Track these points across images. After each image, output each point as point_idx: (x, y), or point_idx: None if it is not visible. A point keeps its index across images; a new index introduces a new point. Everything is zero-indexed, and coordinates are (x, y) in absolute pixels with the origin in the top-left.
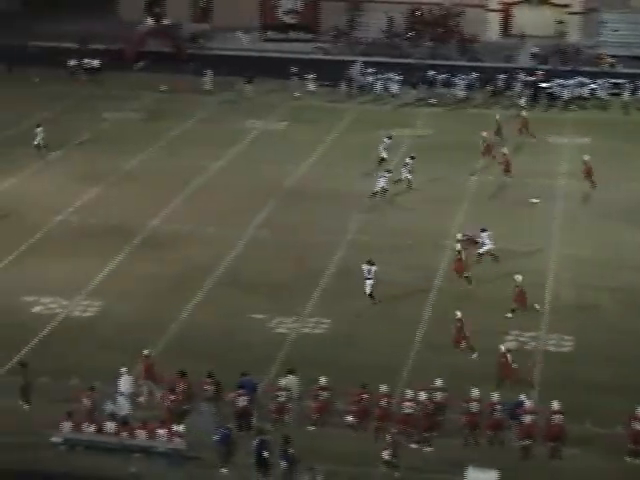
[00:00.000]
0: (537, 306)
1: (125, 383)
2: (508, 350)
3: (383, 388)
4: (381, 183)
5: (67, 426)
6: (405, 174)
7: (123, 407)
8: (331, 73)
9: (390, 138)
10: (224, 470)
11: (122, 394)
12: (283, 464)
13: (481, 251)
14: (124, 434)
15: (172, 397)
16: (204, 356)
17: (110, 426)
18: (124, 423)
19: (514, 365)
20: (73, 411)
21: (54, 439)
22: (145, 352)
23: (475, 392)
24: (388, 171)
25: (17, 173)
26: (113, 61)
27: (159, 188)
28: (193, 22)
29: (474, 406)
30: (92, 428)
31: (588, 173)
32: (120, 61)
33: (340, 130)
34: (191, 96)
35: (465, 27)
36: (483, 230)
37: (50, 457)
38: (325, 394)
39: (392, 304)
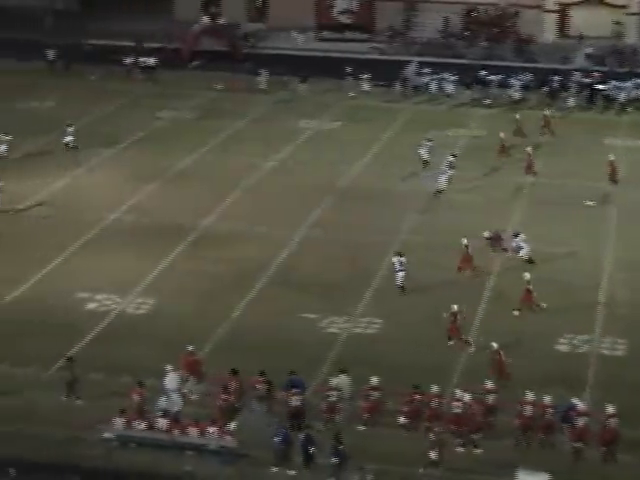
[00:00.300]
0: (543, 305)
1: (171, 380)
2: (500, 348)
3: (434, 389)
4: (443, 181)
5: (119, 422)
6: (446, 171)
7: (175, 404)
8: (386, 73)
9: (430, 140)
10: (275, 469)
11: (174, 391)
12: (334, 460)
13: (524, 256)
14: (176, 431)
15: (224, 396)
16: (255, 355)
17: (162, 423)
18: (176, 420)
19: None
20: (125, 408)
21: (106, 435)
22: (189, 348)
23: (529, 395)
24: (451, 167)
25: (72, 170)
26: (168, 60)
27: (213, 187)
28: (249, 22)
29: (528, 409)
30: (143, 425)
31: (613, 172)
32: (175, 60)
33: (394, 130)
34: (246, 95)
35: (521, 27)
36: (516, 235)
37: (102, 453)
38: (376, 394)
39: (444, 304)
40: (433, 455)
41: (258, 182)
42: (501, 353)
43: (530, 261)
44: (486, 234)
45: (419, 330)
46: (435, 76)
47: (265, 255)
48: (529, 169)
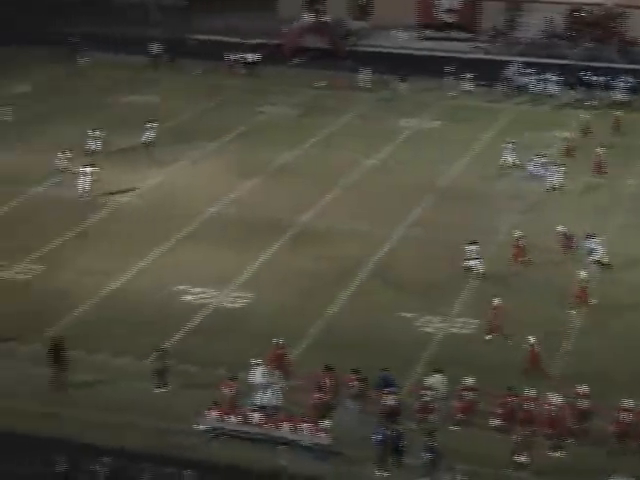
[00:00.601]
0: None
1: (258, 374)
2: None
3: (530, 391)
4: (554, 178)
5: (213, 415)
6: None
7: (273, 398)
8: (488, 73)
9: (513, 143)
10: (375, 470)
11: (263, 385)
12: (426, 456)
13: (597, 258)
14: (269, 426)
15: (318, 395)
16: (350, 352)
17: (255, 417)
18: (272, 414)
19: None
20: (219, 400)
21: (200, 427)
22: (275, 340)
23: (628, 402)
24: (560, 165)
25: (175, 163)
26: (271, 56)
27: (313, 183)
28: (352, 19)
29: (625, 416)
30: (237, 418)
31: (598, 166)
32: (278, 56)
33: (495, 130)
34: (347, 93)
35: (627, 29)
36: (590, 236)
37: (196, 444)
38: (470, 395)
39: (543, 306)
40: (521, 458)
41: (358, 180)
42: (535, 347)
43: (603, 264)
44: (560, 228)
45: (516, 332)
46: (538, 76)
47: (364, 253)
48: (598, 170)
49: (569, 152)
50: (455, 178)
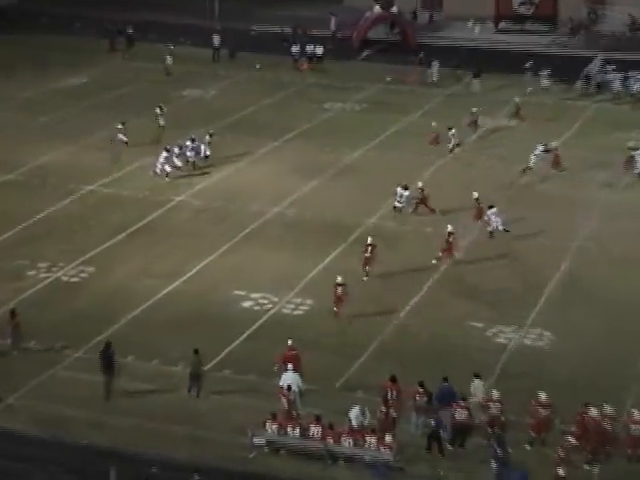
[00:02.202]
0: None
1: (288, 378)
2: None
3: (607, 409)
4: None
5: (271, 427)
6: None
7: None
8: (567, 69)
9: (545, 145)
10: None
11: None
12: (495, 465)
13: (489, 229)
14: (330, 439)
15: (383, 408)
16: (417, 363)
17: (314, 430)
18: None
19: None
20: (276, 411)
21: (256, 440)
22: (289, 342)
23: None
24: None
25: (234, 161)
26: (338, 49)
27: (378, 183)
28: (423, 10)
29: None
30: (295, 431)
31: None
32: (345, 49)
33: (574, 130)
34: (416, 88)
35: None
36: (490, 207)
37: (252, 458)
38: (544, 411)
39: (621, 319)
40: (561, 471)
41: (429, 180)
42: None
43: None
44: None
45: (592, 345)
46: (620, 73)
47: (433, 258)
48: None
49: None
50: (529, 181)
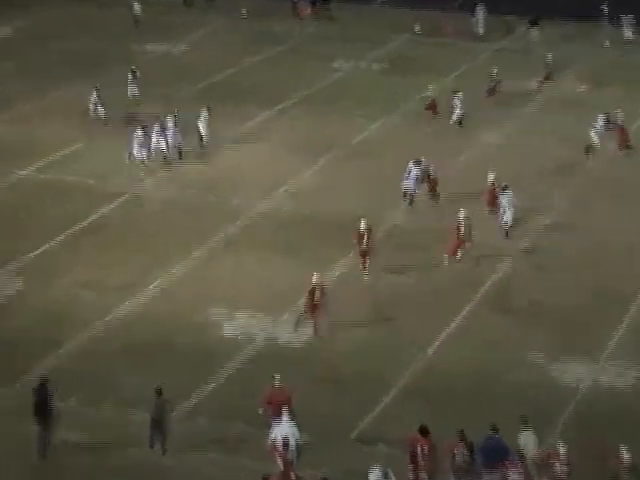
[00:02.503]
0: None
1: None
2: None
3: None
4: None
5: None
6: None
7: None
8: None
9: (607, 115)
10: None
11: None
12: None
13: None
14: None
15: (412, 466)
16: (454, 407)
17: None
18: None
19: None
20: (270, 475)
21: None
22: (275, 378)
23: None
24: None
25: (214, 139)
26: None
27: (401, 167)
28: None
29: None
30: None
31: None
32: None
33: None
34: (455, 42)
35: None
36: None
37: None
38: (626, 473)
39: None
40: None
41: (467, 167)
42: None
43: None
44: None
45: None
46: None
47: (474, 269)
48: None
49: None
50: (605, 168)
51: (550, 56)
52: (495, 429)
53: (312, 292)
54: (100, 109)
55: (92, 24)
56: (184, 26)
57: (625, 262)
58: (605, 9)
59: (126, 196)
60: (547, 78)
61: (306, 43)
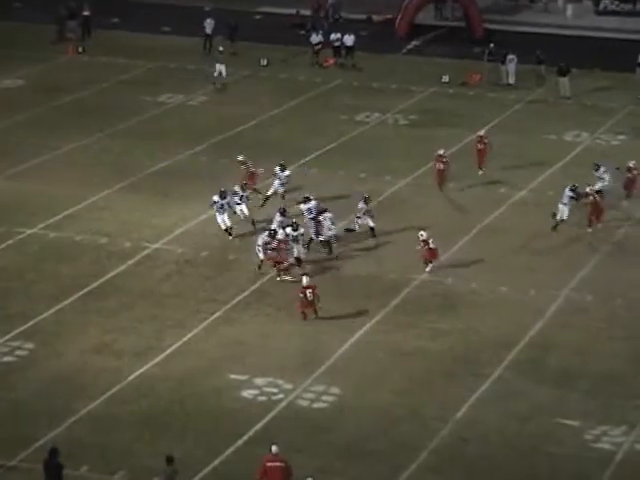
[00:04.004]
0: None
1: None
2: None
3: None
4: None
5: None
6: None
7: None
8: None
9: (601, 167)
10: None
11: None
12: None
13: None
14: None
15: None
16: (483, 475)
17: None
18: None
19: None
20: None
21: None
22: (273, 449)
23: None
24: None
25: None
26: (374, 38)
27: (435, 224)
28: None
29: None
30: None
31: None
32: (385, 38)
33: None
34: (484, 92)
35: None
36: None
37: None
38: None
39: None
40: None
41: (497, 222)
42: None
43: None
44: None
45: None
46: None
47: (503, 326)
48: None
49: None
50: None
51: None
52: None
53: (304, 289)
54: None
55: (101, 73)
56: (202, 76)
57: None
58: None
59: (138, 256)
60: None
61: (329, 94)
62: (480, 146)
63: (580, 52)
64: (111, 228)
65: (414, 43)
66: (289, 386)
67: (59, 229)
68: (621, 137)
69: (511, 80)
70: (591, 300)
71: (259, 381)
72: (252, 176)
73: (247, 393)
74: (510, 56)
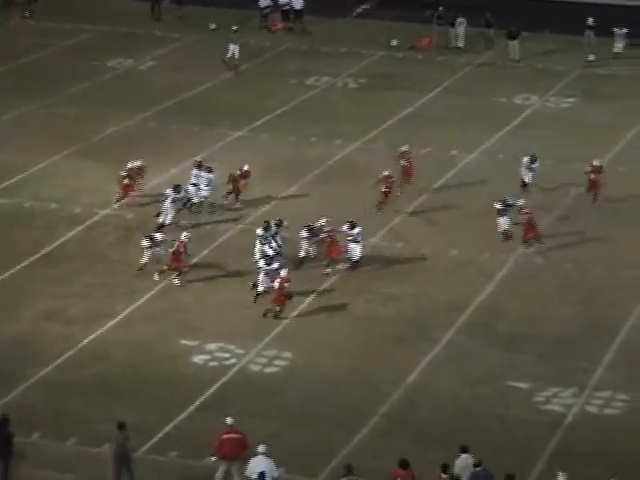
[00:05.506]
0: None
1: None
2: None
3: None
4: None
5: None
6: None
7: None
8: None
9: (534, 160)
10: None
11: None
12: None
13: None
14: None
15: None
16: (436, 439)
17: None
18: None
19: None
20: None
21: None
22: (227, 421)
23: None
24: None
25: (186, 158)
26: (323, 2)
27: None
28: None
29: None
30: None
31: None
32: (334, 2)
33: None
34: (433, 55)
35: None
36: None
37: None
38: None
39: None
40: None
41: (447, 185)
42: None
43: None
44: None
45: None
46: None
47: (454, 291)
48: None
49: None
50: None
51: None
52: (479, 463)
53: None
54: None
55: (53, 39)
56: (150, 40)
57: (622, 290)
58: (591, 21)
59: (89, 221)
60: None
61: (278, 58)
62: (404, 162)
63: (530, 15)
64: (61, 194)
65: (363, 7)
66: (241, 351)
67: (9, 196)
68: (570, 100)
69: (460, 43)
70: (541, 264)
71: (211, 346)
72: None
73: (198, 358)
74: (459, 19)
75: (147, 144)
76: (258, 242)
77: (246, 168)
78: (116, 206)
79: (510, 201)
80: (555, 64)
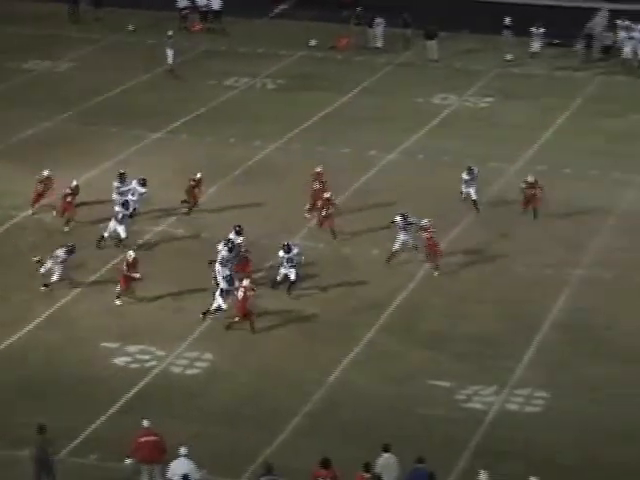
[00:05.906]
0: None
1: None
2: None
3: None
4: None
5: None
6: None
7: None
8: (563, 27)
9: (471, 171)
10: None
11: None
12: None
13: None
14: None
15: None
16: (359, 438)
17: None
18: None
19: None
20: None
21: None
22: (144, 424)
23: None
24: None
25: (103, 161)
26: (241, 2)
27: (303, 190)
28: None
29: None
30: None
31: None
32: (252, 2)
33: (571, 112)
34: (352, 55)
35: None
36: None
37: None
38: None
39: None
40: None
41: (367, 185)
42: None
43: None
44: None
45: (597, 408)
46: (633, 33)
47: (378, 290)
48: None
49: None
50: (509, 183)
51: None
52: (421, 460)
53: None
54: None
55: None
56: (67, 42)
57: (541, 287)
58: (507, 20)
59: (8, 224)
60: None
61: (197, 59)
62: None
63: (447, 15)
64: None
65: (282, 7)
66: (162, 353)
67: None
68: (489, 99)
69: (379, 43)
70: (461, 263)
71: (132, 348)
72: None
73: (119, 360)
74: (377, 19)
75: (65, 146)
76: (218, 263)
77: (199, 176)
78: (30, 212)
79: (412, 219)
80: (473, 64)
